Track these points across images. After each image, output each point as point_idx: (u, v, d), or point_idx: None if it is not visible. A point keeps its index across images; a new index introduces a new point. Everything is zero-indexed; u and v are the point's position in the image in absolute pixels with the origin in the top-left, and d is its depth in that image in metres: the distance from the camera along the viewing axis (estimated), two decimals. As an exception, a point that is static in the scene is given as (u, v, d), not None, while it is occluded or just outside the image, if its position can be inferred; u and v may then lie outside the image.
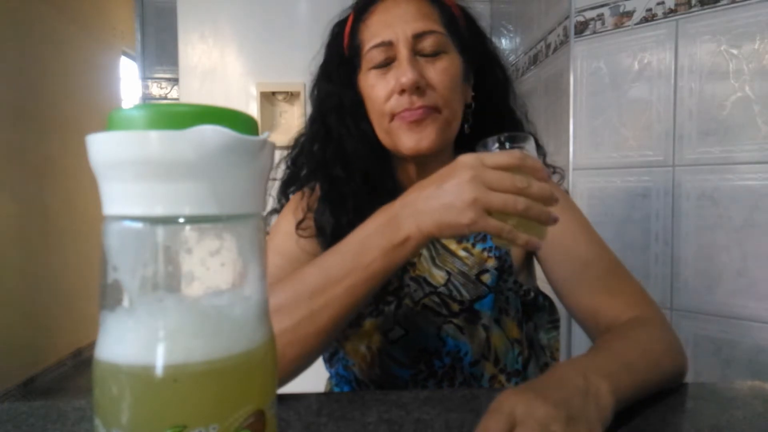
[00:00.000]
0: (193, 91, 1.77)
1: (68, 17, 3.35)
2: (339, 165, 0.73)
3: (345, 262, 0.55)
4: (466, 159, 0.51)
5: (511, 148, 0.55)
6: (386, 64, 0.70)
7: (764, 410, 0.53)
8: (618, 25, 1.39)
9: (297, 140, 0.82)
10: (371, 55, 0.71)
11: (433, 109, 0.69)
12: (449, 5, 0.76)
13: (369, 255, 0.54)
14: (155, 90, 2.42)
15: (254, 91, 1.76)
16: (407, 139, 0.70)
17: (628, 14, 1.37)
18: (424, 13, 0.71)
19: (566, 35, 1.51)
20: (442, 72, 0.70)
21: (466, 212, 0.49)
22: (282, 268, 0.70)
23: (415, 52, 0.70)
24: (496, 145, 0.56)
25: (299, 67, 1.77)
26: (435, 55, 0.70)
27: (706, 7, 1.23)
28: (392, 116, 0.70)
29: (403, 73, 0.67)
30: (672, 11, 1.29)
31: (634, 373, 0.52)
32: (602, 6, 1.41)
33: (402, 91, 0.68)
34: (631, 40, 1.37)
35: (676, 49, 1.29)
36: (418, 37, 0.69)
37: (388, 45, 0.70)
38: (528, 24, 1.91)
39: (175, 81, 2.37)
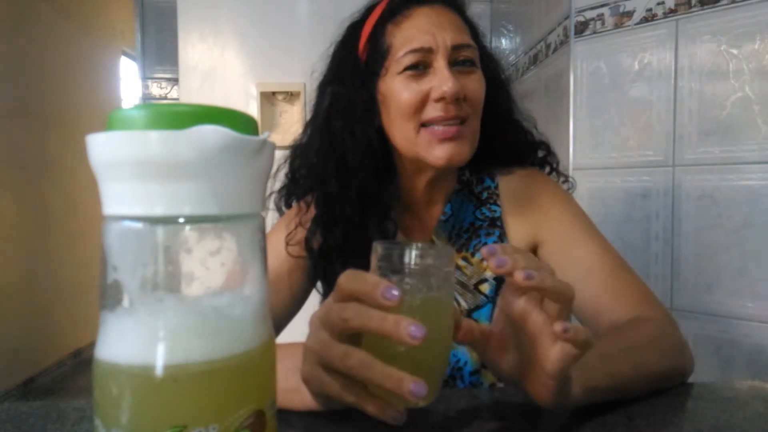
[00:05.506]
0: (193, 91, 1.77)
1: (68, 17, 3.35)
2: (336, 179, 0.71)
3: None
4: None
5: (391, 252, 0.42)
6: (419, 68, 0.68)
7: (764, 410, 0.53)
8: (618, 25, 1.39)
9: (295, 149, 0.79)
10: (405, 60, 0.68)
11: (464, 121, 0.69)
12: (476, 26, 0.77)
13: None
14: (155, 90, 2.42)
15: (254, 91, 1.76)
16: (440, 152, 0.68)
17: (628, 14, 1.37)
18: (460, 26, 0.72)
19: (566, 35, 1.51)
20: (476, 85, 0.70)
21: (304, 365, 0.43)
22: None
23: (451, 63, 0.69)
24: (380, 248, 0.43)
25: (299, 67, 1.79)
26: (469, 68, 0.70)
27: (706, 7, 1.23)
28: (421, 125, 0.69)
29: (445, 82, 0.66)
30: (672, 11, 1.29)
31: (611, 364, 0.52)
32: (602, 6, 1.41)
33: (439, 99, 0.67)
34: (631, 40, 1.37)
35: (676, 49, 1.29)
36: (456, 48, 0.68)
37: (427, 51, 0.68)
38: (528, 24, 1.91)
39: (175, 81, 2.37)
